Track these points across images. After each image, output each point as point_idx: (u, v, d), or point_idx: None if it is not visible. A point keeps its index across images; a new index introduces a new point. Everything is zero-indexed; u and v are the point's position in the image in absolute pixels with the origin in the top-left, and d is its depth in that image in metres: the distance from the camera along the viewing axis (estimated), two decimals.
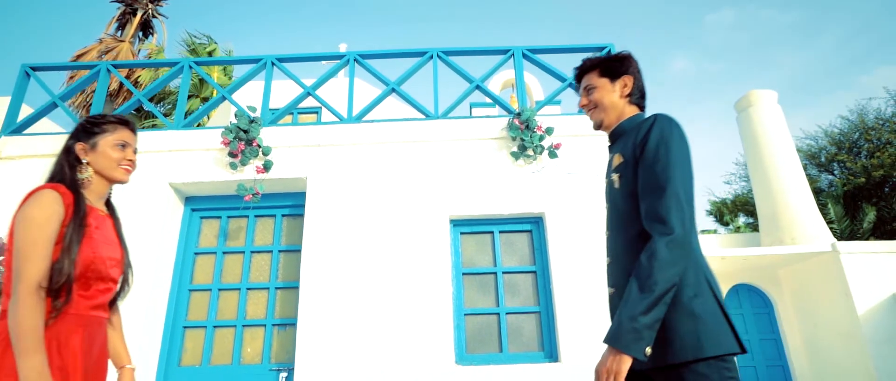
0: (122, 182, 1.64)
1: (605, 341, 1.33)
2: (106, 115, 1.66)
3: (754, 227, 18.71)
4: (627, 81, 1.69)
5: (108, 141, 1.61)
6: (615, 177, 1.59)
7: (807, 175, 16.10)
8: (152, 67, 8.80)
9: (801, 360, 8.22)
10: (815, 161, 16.92)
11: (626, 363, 1.28)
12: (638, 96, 1.71)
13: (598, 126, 1.76)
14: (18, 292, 1.33)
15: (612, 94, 1.69)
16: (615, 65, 1.71)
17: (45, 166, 2.67)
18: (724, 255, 7.78)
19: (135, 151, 1.68)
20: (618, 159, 1.60)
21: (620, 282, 1.54)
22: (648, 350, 1.29)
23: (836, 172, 16.20)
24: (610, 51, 4.28)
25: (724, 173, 39.84)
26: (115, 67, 4.31)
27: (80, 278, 1.46)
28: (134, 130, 1.70)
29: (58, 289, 1.40)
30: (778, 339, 8.47)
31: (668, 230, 1.35)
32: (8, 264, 1.39)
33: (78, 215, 1.47)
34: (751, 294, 8.72)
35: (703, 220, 24.41)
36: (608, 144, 1.75)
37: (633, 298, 1.31)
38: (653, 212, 1.40)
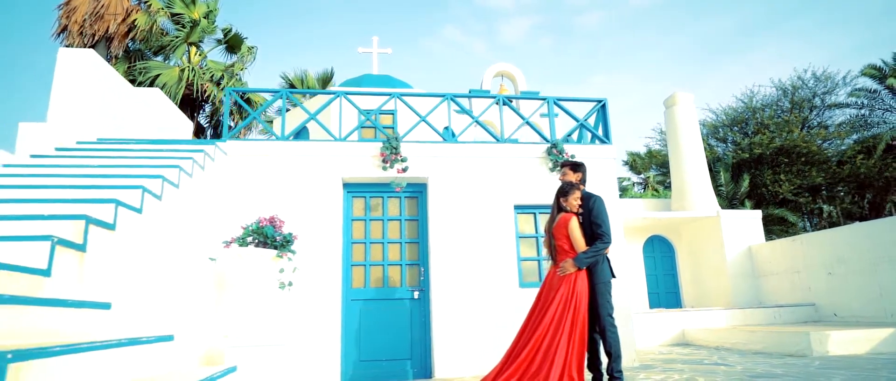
0: (573, 211, 4.30)
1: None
2: (567, 190, 4.32)
3: (668, 186, 22.96)
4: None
5: (573, 196, 4.27)
6: None
7: (708, 145, 20.18)
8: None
9: (688, 288, 12.00)
10: (716, 134, 21.00)
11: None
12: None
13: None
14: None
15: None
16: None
17: (251, 159, 5.28)
18: (645, 216, 11.14)
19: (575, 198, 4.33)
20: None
21: None
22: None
23: (729, 145, 20.35)
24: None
25: (641, 135, 45.10)
26: (292, 93, 6.41)
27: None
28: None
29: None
30: (675, 274, 12.19)
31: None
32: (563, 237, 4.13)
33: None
34: (661, 243, 12.30)
35: (619, 170, 28.86)
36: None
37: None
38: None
